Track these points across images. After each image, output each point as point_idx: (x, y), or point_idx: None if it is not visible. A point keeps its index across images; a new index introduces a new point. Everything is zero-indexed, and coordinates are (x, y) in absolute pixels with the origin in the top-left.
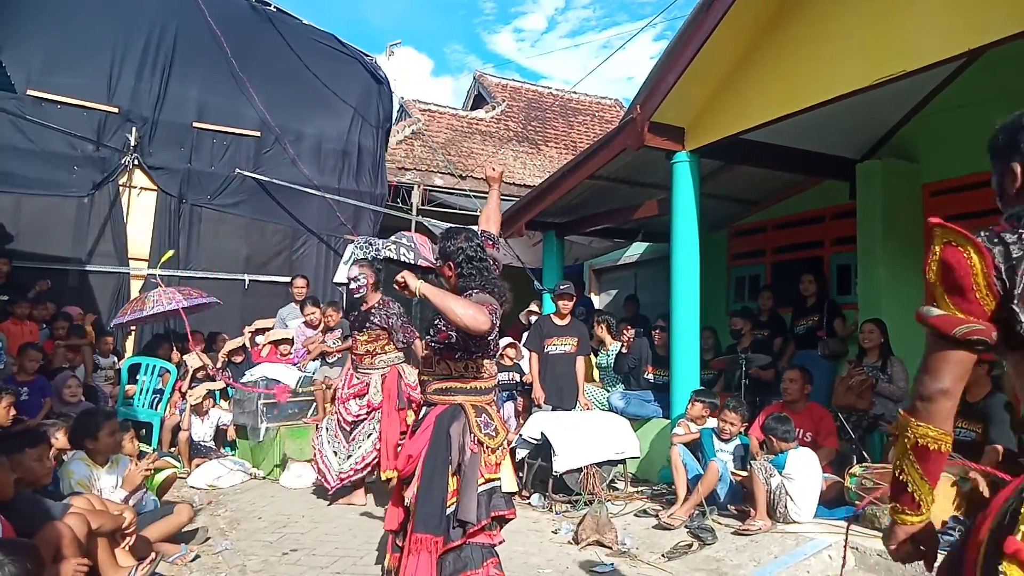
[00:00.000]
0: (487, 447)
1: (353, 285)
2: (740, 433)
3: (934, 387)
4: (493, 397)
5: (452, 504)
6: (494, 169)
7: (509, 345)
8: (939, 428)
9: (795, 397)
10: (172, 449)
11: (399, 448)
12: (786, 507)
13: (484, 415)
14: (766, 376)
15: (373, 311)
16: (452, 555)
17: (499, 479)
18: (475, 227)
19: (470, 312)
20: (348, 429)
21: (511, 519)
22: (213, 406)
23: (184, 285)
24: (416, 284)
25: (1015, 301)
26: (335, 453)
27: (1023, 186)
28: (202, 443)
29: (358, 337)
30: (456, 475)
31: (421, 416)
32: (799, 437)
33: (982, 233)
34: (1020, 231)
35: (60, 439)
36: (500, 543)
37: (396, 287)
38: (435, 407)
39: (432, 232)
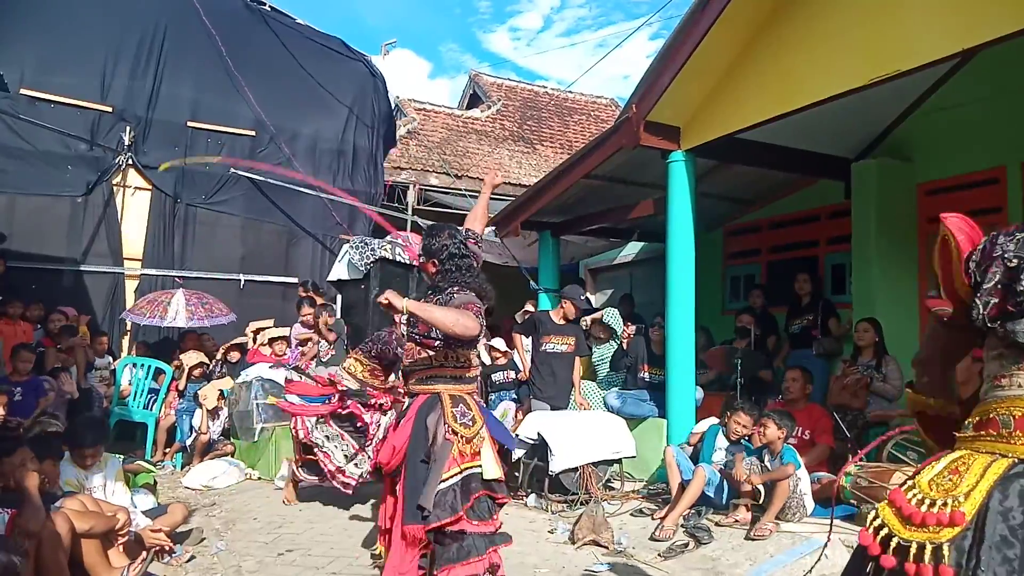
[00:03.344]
0: (462, 436)
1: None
2: (745, 438)
3: (916, 358)
4: (475, 387)
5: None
6: (495, 175)
7: (491, 347)
8: (929, 397)
9: (796, 396)
10: (167, 451)
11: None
12: (804, 507)
13: (461, 404)
14: (764, 376)
15: None
16: (455, 545)
17: (478, 466)
18: (461, 226)
19: (460, 320)
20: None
21: (504, 503)
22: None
23: (187, 287)
24: (402, 303)
25: (980, 294)
26: (346, 457)
27: None
28: (211, 439)
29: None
30: (424, 462)
31: (405, 408)
32: (797, 435)
33: (992, 234)
34: (1015, 234)
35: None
36: (499, 528)
37: (381, 307)
38: (417, 398)
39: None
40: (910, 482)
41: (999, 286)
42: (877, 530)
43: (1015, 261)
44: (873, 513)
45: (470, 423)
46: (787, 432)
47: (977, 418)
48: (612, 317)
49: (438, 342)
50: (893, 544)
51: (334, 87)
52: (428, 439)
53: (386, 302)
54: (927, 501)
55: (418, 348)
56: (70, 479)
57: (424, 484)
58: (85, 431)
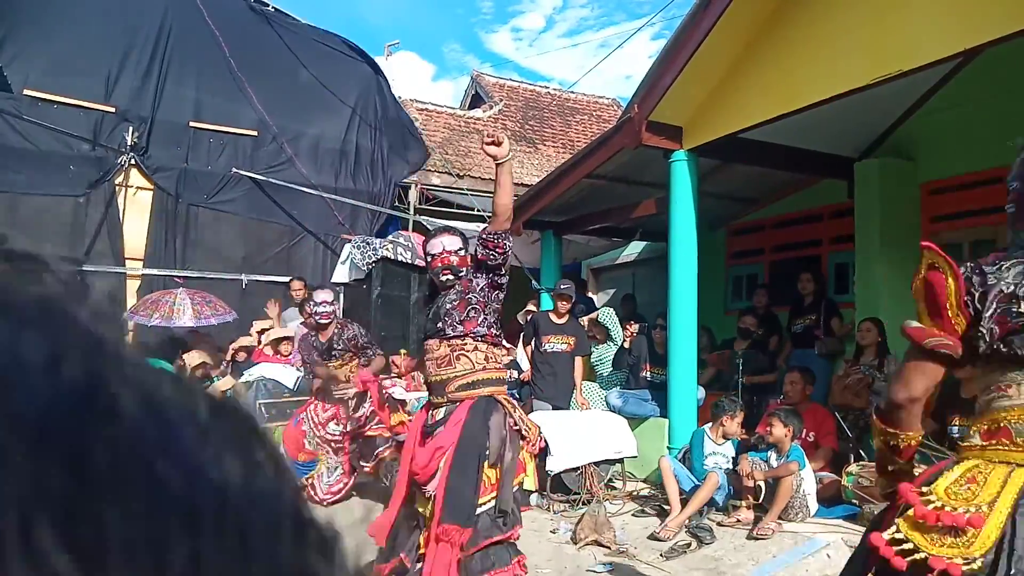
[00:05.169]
0: (529, 441)
1: (321, 310)
2: (734, 437)
3: (904, 395)
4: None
5: (489, 500)
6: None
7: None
8: (908, 431)
9: (797, 399)
10: None
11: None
12: (808, 507)
13: (519, 409)
14: (764, 377)
15: (333, 340)
16: (479, 554)
17: (524, 477)
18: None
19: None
20: (334, 446)
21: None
22: None
23: (189, 287)
24: (508, 152)
25: (983, 323)
26: (327, 468)
27: None
28: None
29: (329, 365)
30: (495, 467)
31: (443, 415)
32: (801, 437)
33: (967, 264)
34: (1000, 263)
35: None
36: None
37: (486, 142)
38: (463, 403)
39: (430, 231)
40: (925, 488)
41: (998, 312)
42: (897, 543)
43: (1012, 287)
44: (894, 528)
45: (529, 427)
46: (794, 430)
47: (985, 427)
48: (607, 317)
49: (478, 340)
50: (919, 557)
51: (337, 87)
52: (488, 440)
53: (499, 139)
54: (947, 509)
55: (455, 353)
56: None
57: (471, 487)
58: None
